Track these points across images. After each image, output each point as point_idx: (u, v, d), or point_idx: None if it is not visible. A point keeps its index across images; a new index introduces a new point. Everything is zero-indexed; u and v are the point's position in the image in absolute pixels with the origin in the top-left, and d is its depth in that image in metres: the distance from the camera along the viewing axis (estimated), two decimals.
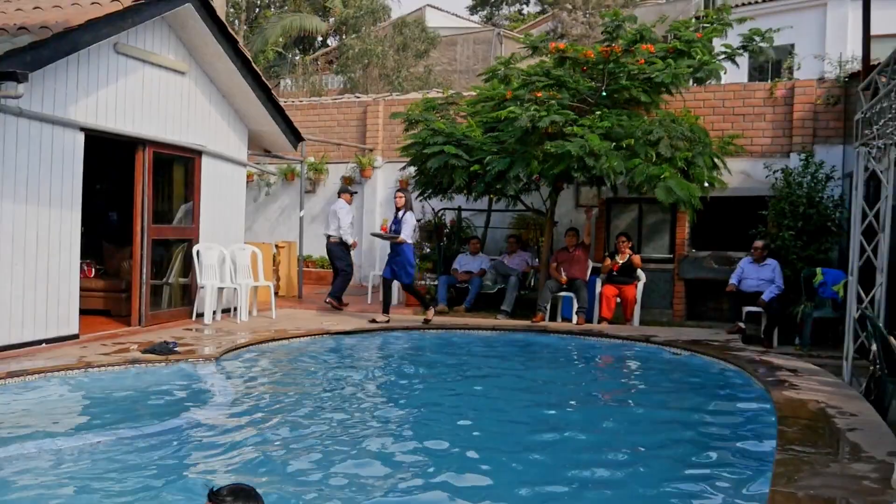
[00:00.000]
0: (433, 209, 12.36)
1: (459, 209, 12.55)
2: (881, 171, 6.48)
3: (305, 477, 4.42)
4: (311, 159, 14.50)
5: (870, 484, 3.83)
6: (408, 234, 10.07)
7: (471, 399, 6.64)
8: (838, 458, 4.30)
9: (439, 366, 8.09)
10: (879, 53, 7.85)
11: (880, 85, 5.71)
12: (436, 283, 11.67)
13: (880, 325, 6.24)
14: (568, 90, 10.03)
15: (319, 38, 28.86)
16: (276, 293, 11.42)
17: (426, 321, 9.91)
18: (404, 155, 11.33)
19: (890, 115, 5.76)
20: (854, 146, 7.11)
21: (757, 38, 9.91)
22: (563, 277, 10.50)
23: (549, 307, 10.43)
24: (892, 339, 5.29)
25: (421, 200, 11.78)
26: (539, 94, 9.85)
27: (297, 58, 26.15)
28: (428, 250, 12.63)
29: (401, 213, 10.15)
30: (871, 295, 6.87)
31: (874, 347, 6.15)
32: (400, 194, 10.30)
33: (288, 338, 8.76)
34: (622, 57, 9.97)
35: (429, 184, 11.13)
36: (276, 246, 13.06)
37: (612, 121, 9.60)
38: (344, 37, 24.41)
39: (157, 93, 9.06)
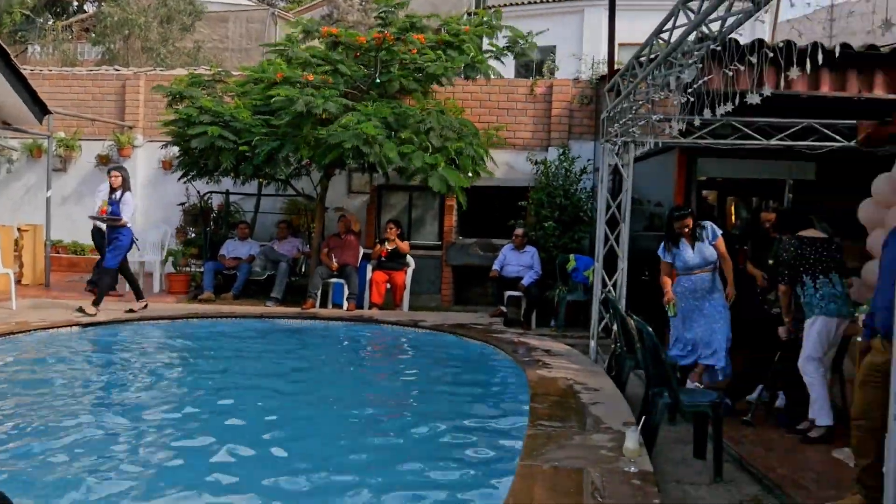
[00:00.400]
0: (198, 192, 11.81)
1: (227, 192, 12.09)
2: (622, 166, 7.10)
3: (46, 479, 4.06)
4: (62, 135, 13.29)
5: (606, 452, 4.19)
6: (128, 215, 9.21)
7: (230, 389, 6.40)
8: (581, 431, 4.66)
9: (200, 355, 7.75)
10: (625, 59, 8.60)
11: (622, 87, 6.25)
12: (202, 269, 11.19)
13: (620, 307, 6.85)
14: (341, 76, 10.00)
15: (75, 3, 26.53)
16: (18, 281, 10.38)
17: (131, 311, 9.19)
18: (167, 132, 10.68)
19: (629, 115, 6.33)
20: (600, 142, 7.73)
21: (521, 41, 10.47)
22: (334, 264, 10.50)
23: (319, 294, 10.38)
24: (629, 319, 5.81)
25: (185, 182, 11.19)
26: (311, 78, 9.72)
27: (50, 23, 23.80)
28: (193, 235, 12.07)
29: (118, 194, 9.26)
30: (613, 279, 7.52)
31: (615, 327, 6.75)
32: (116, 173, 9.40)
33: (29, 330, 8.00)
34: (394, 45, 10.10)
35: (193, 165, 10.61)
36: (19, 229, 11.85)
37: (386, 110, 9.71)
38: (102, 3, 22.54)
39: None
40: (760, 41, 4.69)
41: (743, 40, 4.67)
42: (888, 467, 1.68)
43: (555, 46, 16.20)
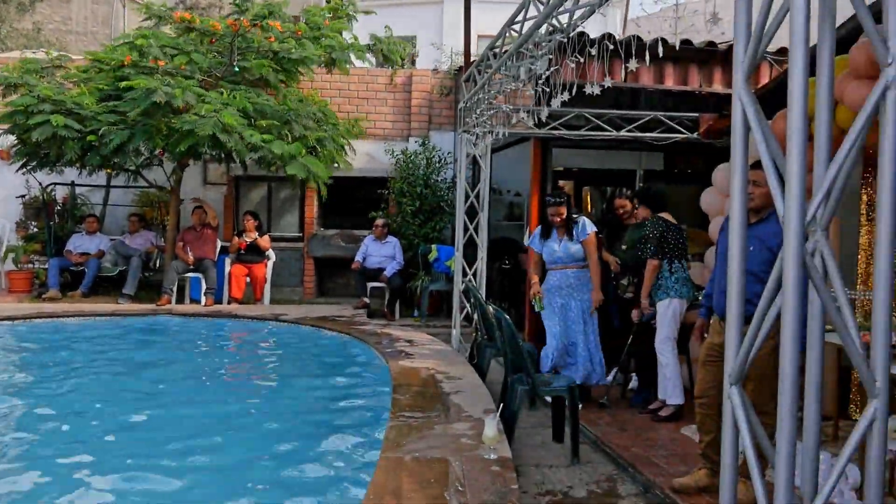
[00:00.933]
0: (40, 184, 11.04)
1: (73, 184, 11.37)
2: (480, 157, 7.20)
3: None
4: None
5: (467, 440, 4.22)
6: None
7: (72, 392, 6.04)
8: (443, 420, 4.67)
9: (44, 358, 7.26)
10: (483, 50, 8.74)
11: (477, 78, 6.31)
12: (45, 266, 10.49)
13: (480, 295, 6.94)
14: (195, 63, 9.58)
15: None
16: None
17: None
18: (3, 120, 9.87)
19: (484, 106, 6.41)
20: (458, 133, 7.80)
21: (381, 42, 10.43)
22: (190, 257, 10.09)
23: (175, 289, 9.95)
24: (489, 307, 5.89)
25: (24, 173, 10.42)
26: (162, 63, 9.26)
27: None
28: (35, 230, 11.28)
29: None
30: (473, 268, 7.62)
31: (476, 316, 6.83)
32: None
33: None
34: (250, 32, 9.78)
35: (33, 155, 9.89)
36: None
37: (243, 100, 9.37)
38: None
39: None
40: (608, 35, 4.86)
41: (594, 35, 4.83)
42: (724, 442, 1.75)
43: (415, 37, 16.23)
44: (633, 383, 6.44)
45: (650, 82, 6.20)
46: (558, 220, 6.03)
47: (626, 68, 3.95)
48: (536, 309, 6.12)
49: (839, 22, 3.44)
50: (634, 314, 6.07)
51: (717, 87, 6.33)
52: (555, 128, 6.86)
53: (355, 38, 10.68)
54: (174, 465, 4.31)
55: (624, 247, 6.36)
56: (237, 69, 9.85)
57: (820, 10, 1.67)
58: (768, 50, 6.25)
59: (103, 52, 10.37)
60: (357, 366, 7.14)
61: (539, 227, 6.30)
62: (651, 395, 6.02)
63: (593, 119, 6.87)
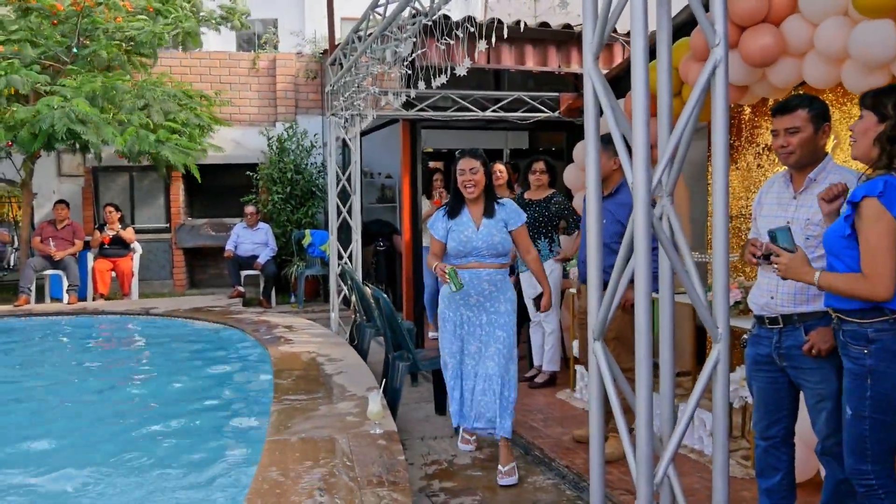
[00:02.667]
0: None
1: None
2: (350, 139, 7.23)
3: None
4: None
5: (352, 419, 4.30)
6: None
7: None
8: (326, 401, 4.73)
9: None
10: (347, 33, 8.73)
11: (343, 62, 6.34)
12: None
13: (356, 277, 7.00)
14: (37, 47, 9.06)
15: None
16: None
17: None
18: None
19: (353, 89, 6.45)
20: (327, 116, 7.79)
21: (233, 14, 10.17)
22: (53, 249, 9.56)
23: (34, 288, 9.45)
24: (366, 289, 5.97)
25: None
26: (1, 49, 8.71)
27: None
28: None
29: None
30: (349, 251, 7.67)
31: (354, 298, 6.89)
32: None
33: None
34: (96, 12, 9.30)
35: None
36: None
37: (94, 85, 8.94)
38: None
39: None
40: (468, 17, 5.00)
41: (456, 17, 4.97)
42: (590, 392, 1.93)
43: (276, 20, 15.93)
44: None
45: (512, 64, 6.42)
46: (472, 189, 4.12)
47: (477, 49, 4.12)
48: (454, 289, 4.06)
49: (679, 8, 3.72)
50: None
51: (576, 68, 6.63)
52: (422, 109, 6.98)
53: (208, 14, 10.38)
54: (47, 467, 4.17)
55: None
56: (77, 51, 9.33)
57: None
58: (619, 32, 6.61)
59: None
60: (236, 355, 7.07)
61: (446, 204, 4.37)
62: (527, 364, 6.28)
63: (459, 100, 7.03)
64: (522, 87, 7.42)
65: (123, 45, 9.52)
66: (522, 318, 6.04)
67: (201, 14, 10.28)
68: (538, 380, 5.95)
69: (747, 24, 4.05)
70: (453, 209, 4.23)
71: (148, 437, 4.75)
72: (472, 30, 4.22)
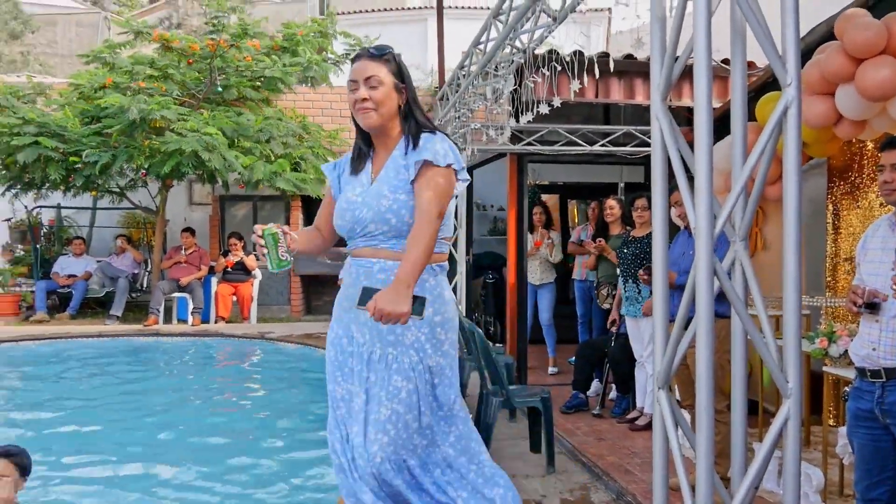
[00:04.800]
0: (26, 207, 11.10)
1: (59, 207, 11.45)
2: None
3: None
4: None
5: None
6: None
7: (71, 411, 6.11)
8: None
9: (29, 381, 7.32)
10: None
11: (449, 96, 6.43)
12: (33, 289, 10.54)
13: (458, 310, 7.02)
14: (175, 83, 9.69)
15: None
16: None
17: None
18: None
19: (457, 123, 6.52)
20: None
21: (358, 48, 10.52)
22: (184, 256, 10.16)
23: (162, 309, 10.02)
24: (465, 321, 5.98)
25: (8, 196, 10.48)
26: (143, 84, 9.37)
27: None
28: (22, 253, 11.34)
29: None
30: (453, 284, 7.70)
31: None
32: None
33: None
34: (228, 52, 9.89)
35: (18, 178, 9.96)
36: None
37: (224, 119, 9.48)
38: None
39: None
40: (577, 51, 4.98)
41: (588, 52, 4.97)
42: (654, 445, 1.86)
43: (400, 54, 16.39)
44: (613, 393, 6.52)
45: (621, 97, 6.33)
46: (369, 113, 2.55)
47: (571, 86, 4.04)
48: (272, 267, 2.67)
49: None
50: (612, 323, 6.17)
51: (687, 101, 6.46)
52: (529, 143, 6.98)
53: (335, 55, 10.80)
54: (177, 481, 4.37)
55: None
56: (219, 88, 9.95)
57: (732, 36, 1.78)
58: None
59: (87, 74, 10.48)
60: None
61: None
62: (629, 404, 6.11)
63: (567, 135, 6.98)
64: (633, 120, 7.29)
65: (253, 82, 10.05)
66: (629, 361, 5.90)
67: (329, 56, 10.71)
68: (639, 422, 5.76)
69: (865, 56, 3.84)
70: (359, 154, 2.68)
71: (257, 462, 4.90)
72: (566, 62, 4.18)
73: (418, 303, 2.33)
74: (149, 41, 10.32)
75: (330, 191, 2.80)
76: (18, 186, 10.11)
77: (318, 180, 10.36)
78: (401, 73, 2.58)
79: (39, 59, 20.90)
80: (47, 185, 9.89)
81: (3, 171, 9.96)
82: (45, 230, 11.52)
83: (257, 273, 10.57)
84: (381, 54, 2.57)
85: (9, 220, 11.48)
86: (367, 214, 2.56)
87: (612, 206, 6.58)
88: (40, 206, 11.23)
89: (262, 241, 2.54)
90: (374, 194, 2.57)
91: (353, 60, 2.63)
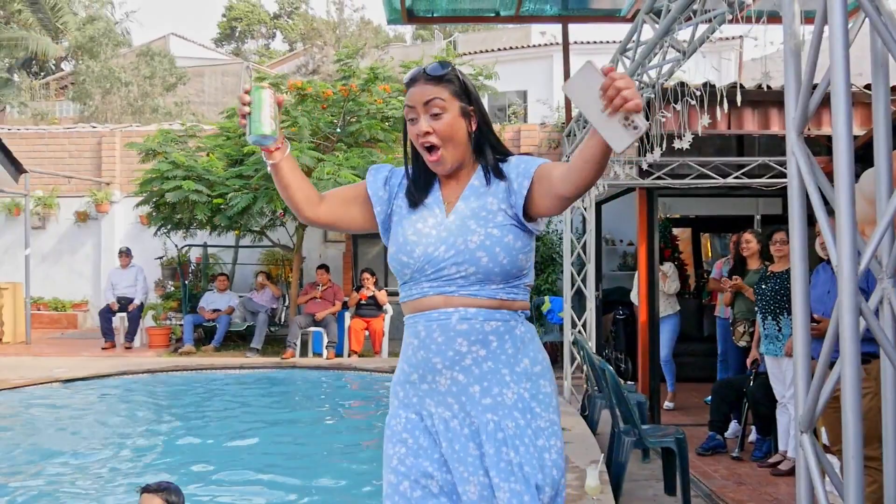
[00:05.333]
0: (176, 245, 11.88)
1: (205, 245, 12.18)
2: (584, 209, 7.26)
3: None
4: (40, 193, 13.38)
5: (571, 491, 4.24)
6: None
7: (215, 439, 6.45)
8: None
9: (183, 408, 7.77)
10: None
11: (577, 132, 6.42)
12: (181, 323, 11.22)
13: (588, 346, 6.93)
14: (307, 128, 10.16)
15: (52, 62, 26.80)
16: None
17: None
18: (142, 190, 10.77)
19: None
20: None
21: (481, 78, 10.70)
22: (319, 292, 10.55)
23: (299, 343, 10.41)
24: (596, 358, 5.89)
25: (162, 235, 11.25)
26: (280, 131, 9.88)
27: (29, 82, 24.03)
28: (172, 289, 12.12)
29: None
30: (582, 319, 7.62)
31: (585, 368, 6.82)
32: None
33: (9, 388, 7.98)
34: (360, 96, 10.27)
35: (168, 219, 10.69)
36: None
37: (357, 159, 9.84)
38: (80, 61, 22.75)
39: None
40: (707, 83, 4.88)
41: (719, 83, 4.88)
42: (798, 491, 1.79)
43: (526, 92, 16.52)
44: (753, 435, 6.24)
45: (755, 128, 6.12)
46: (433, 152, 2.09)
47: (702, 118, 3.91)
48: (250, 134, 2.07)
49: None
50: (752, 363, 5.93)
51: (827, 130, 6.17)
52: (659, 177, 6.86)
53: None
54: None
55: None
56: (351, 129, 10.32)
57: (873, 67, 1.72)
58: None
59: (226, 121, 11.17)
60: None
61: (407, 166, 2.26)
62: (770, 447, 5.82)
63: (698, 167, 6.82)
64: (769, 150, 7.03)
65: (383, 123, 10.40)
66: (770, 402, 5.64)
67: None
68: (782, 467, 5.48)
69: None
70: (417, 183, 2.20)
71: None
72: (698, 94, 4.09)
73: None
74: (285, 92, 10.88)
75: (364, 188, 2.26)
76: (169, 226, 10.84)
77: None
78: (467, 94, 2.11)
79: (190, 108, 22.41)
80: (194, 224, 10.58)
81: (156, 212, 10.72)
82: (192, 267, 12.26)
83: (388, 308, 10.82)
84: (441, 74, 2.07)
85: (160, 258, 12.30)
86: (446, 254, 2.04)
87: (749, 239, 6.35)
88: (188, 245, 11.97)
89: (248, 99, 2.08)
90: (456, 229, 2.06)
91: (407, 84, 2.12)
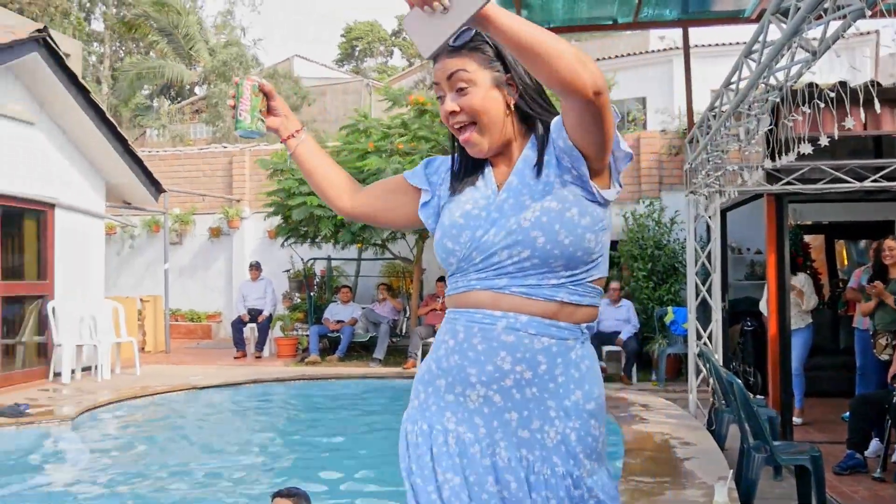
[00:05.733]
0: (302, 259, 12.33)
1: (329, 258, 12.59)
2: (709, 217, 7.04)
3: None
4: (177, 211, 14.21)
5: None
6: None
7: (341, 445, 6.65)
8: (674, 486, 4.58)
9: (308, 415, 8.06)
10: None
11: (699, 139, 6.24)
12: (307, 333, 11.62)
13: (714, 359, 6.71)
14: (427, 142, 10.33)
15: (187, 88, 28.44)
16: (141, 349, 11.05)
17: None
18: (269, 204, 11.25)
19: (708, 167, 6.29)
20: (685, 194, 7.68)
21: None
22: (439, 304, 10.66)
23: (420, 353, 10.57)
24: (723, 371, 5.69)
25: (288, 246, 11.72)
26: (400, 146, 10.09)
27: (166, 106, 25.61)
28: (298, 300, 12.57)
29: None
30: (708, 331, 7.38)
31: (712, 381, 6.61)
32: None
33: (151, 394, 8.49)
34: None
35: (294, 233, 11.12)
36: (141, 300, 12.65)
37: None
38: (211, 86, 24.07)
39: (1, 144, 8.70)
40: (841, 83, 4.64)
41: (853, 81, 4.65)
42: None
43: (645, 98, 16.22)
44: None
45: (894, 128, 5.76)
46: (466, 130, 1.78)
47: (836, 125, 3.70)
48: (235, 129, 1.95)
49: None
50: (894, 377, 5.59)
51: None
52: (789, 183, 6.57)
53: None
54: None
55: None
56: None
57: None
58: None
59: (347, 138, 11.47)
60: None
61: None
62: None
63: (831, 171, 6.49)
64: None
65: None
66: None
67: None
68: None
69: None
70: (463, 167, 1.89)
71: None
72: (832, 95, 3.89)
73: None
74: (405, 105, 11.11)
75: (404, 179, 1.99)
76: (294, 239, 11.27)
77: None
78: (502, 60, 1.75)
79: (314, 126, 23.24)
80: (319, 238, 10.95)
81: (282, 226, 11.17)
82: (317, 280, 12.68)
83: None
84: (465, 42, 1.73)
85: (288, 270, 12.79)
86: (496, 237, 1.71)
87: (892, 246, 6.02)
88: (313, 258, 12.39)
89: (233, 91, 1.90)
90: (509, 208, 1.73)
91: (434, 60, 1.77)
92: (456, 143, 1.85)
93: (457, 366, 1.74)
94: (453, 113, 1.75)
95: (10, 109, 8.74)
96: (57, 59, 8.83)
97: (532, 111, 1.77)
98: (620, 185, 1.77)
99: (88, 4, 26.33)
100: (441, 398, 1.79)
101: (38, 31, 8.56)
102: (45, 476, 5.53)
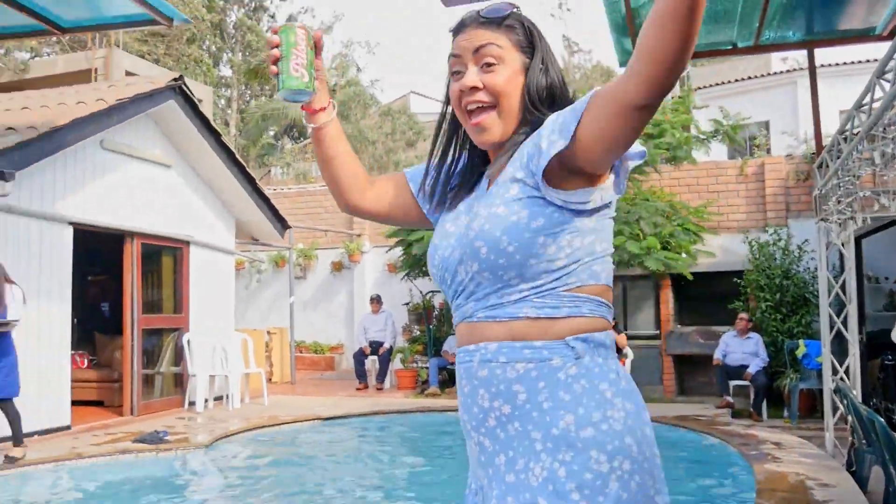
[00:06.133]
0: (421, 291, 12.52)
1: None
2: (842, 245, 6.68)
3: None
4: (301, 246, 14.74)
5: None
6: (15, 313, 6.46)
7: (461, 477, 6.65)
8: None
9: (429, 446, 8.13)
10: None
11: (829, 164, 5.96)
12: (427, 366, 11.75)
13: (852, 395, 6.33)
14: None
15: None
16: (268, 380, 11.47)
17: (10, 458, 6.38)
18: (391, 234, 11.51)
19: (839, 193, 5.99)
20: (815, 221, 7.34)
21: (725, 122, 10.34)
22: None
23: None
24: (863, 409, 5.36)
25: (408, 280, 11.94)
26: None
27: (289, 145, 26.72)
28: (418, 333, 12.74)
29: None
30: (845, 365, 6.98)
31: (850, 419, 6.23)
32: None
33: (279, 424, 8.79)
34: None
35: (414, 266, 11.32)
36: (268, 332, 13.17)
37: None
38: None
39: (143, 186, 9.32)
40: None
41: None
42: None
43: (768, 122, 15.65)
44: None
45: None
46: (480, 113, 1.53)
47: None
48: (280, 89, 1.58)
49: None
50: None
51: None
52: None
53: (700, 130, 10.70)
54: None
55: None
56: None
57: None
58: None
59: None
60: (718, 467, 6.88)
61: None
62: None
63: None
64: None
65: None
66: None
67: (696, 136, 10.69)
68: None
69: None
70: (467, 172, 1.68)
71: None
72: None
73: None
74: None
75: (406, 174, 1.80)
76: (414, 273, 11.47)
77: (688, 258, 10.26)
78: (531, 48, 1.54)
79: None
80: None
81: (404, 259, 11.40)
82: (436, 312, 12.82)
83: (628, 352, 10.60)
84: (502, 16, 1.52)
85: (407, 303, 13.01)
86: (453, 253, 1.52)
87: None
88: (432, 291, 12.55)
89: (276, 41, 1.56)
90: (464, 219, 1.55)
91: (455, 32, 1.57)
92: (455, 144, 1.67)
93: (460, 415, 1.58)
94: (473, 89, 1.51)
95: (150, 154, 9.38)
96: (191, 105, 9.42)
97: (532, 112, 1.53)
98: (622, 187, 1.53)
99: (217, 52, 27.89)
100: (468, 442, 1.61)
101: (175, 79, 9.16)
102: (181, 498, 5.80)
